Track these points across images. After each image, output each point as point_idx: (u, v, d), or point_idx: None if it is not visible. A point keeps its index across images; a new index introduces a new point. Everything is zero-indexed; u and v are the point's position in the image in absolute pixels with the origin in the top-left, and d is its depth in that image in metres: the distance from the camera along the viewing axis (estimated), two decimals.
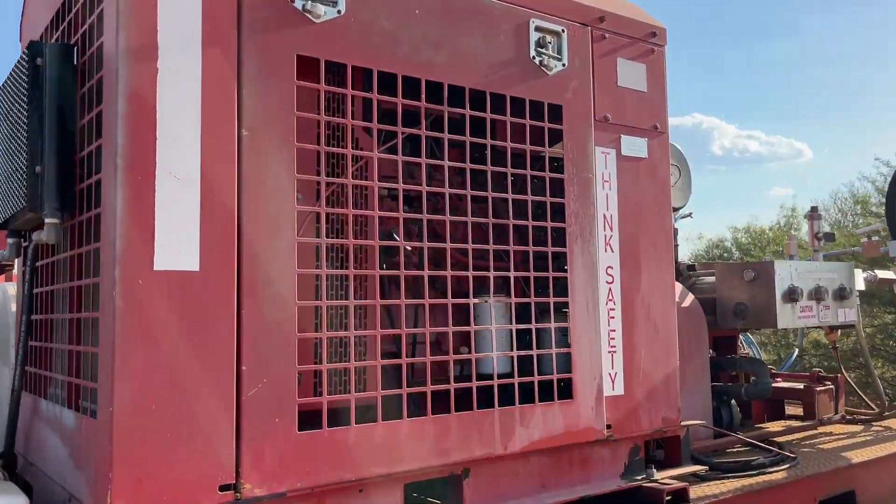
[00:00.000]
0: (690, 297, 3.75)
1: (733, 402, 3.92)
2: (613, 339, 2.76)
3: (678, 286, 3.82)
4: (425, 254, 2.30)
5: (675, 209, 3.37)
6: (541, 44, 2.62)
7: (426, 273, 2.29)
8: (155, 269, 1.82)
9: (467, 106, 2.41)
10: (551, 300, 2.58)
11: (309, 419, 2.05)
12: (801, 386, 4.41)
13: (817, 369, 4.57)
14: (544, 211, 2.71)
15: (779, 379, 4.66)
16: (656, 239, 2.94)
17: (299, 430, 2.01)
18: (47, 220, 2.06)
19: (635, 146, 2.90)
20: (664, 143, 3.01)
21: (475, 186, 2.44)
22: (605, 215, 2.78)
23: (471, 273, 2.39)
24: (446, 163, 2.37)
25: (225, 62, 1.96)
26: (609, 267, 2.77)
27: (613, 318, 2.77)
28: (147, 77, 1.84)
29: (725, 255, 21.15)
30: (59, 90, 2.09)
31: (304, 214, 2.10)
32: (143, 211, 1.82)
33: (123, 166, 1.80)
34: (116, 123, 1.80)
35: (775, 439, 3.83)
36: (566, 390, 2.59)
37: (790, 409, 4.61)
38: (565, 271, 2.63)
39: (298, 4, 2.09)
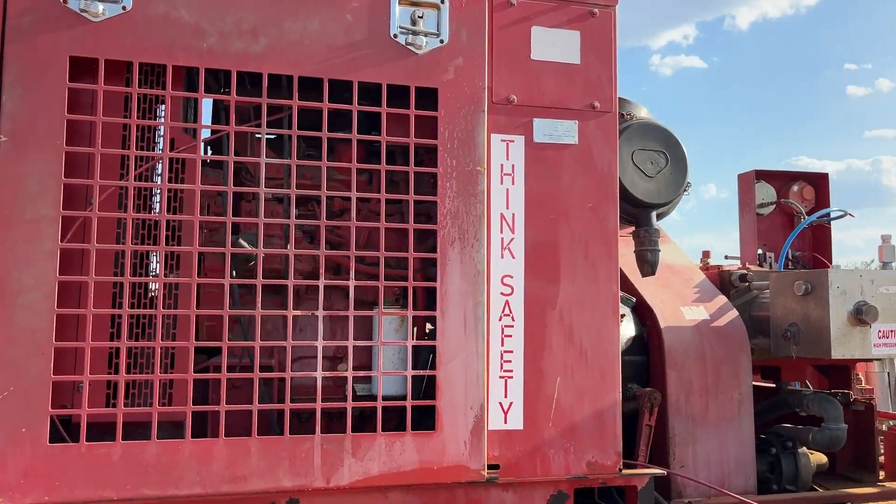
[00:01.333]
0: (729, 316, 3.02)
1: (803, 451, 3.08)
2: (509, 361, 2.30)
3: (719, 300, 3.10)
4: (227, 259, 2.11)
5: (660, 205, 2.72)
6: (412, 19, 2.29)
7: (227, 281, 2.10)
8: None
9: (295, 97, 2.17)
10: (410, 314, 2.22)
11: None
12: None
13: None
14: (419, 211, 2.38)
15: None
16: (588, 242, 2.40)
17: (52, 442, 1.95)
18: None
19: (557, 131, 2.40)
20: (608, 124, 2.46)
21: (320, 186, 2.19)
22: (503, 215, 2.34)
23: (291, 282, 2.13)
24: (263, 160, 2.15)
25: None
26: (507, 276, 2.32)
27: (510, 336, 2.31)
28: None
29: None
30: None
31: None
32: None
33: None
34: None
35: None
36: (429, 419, 2.22)
37: None
38: (432, 280, 2.25)
39: (74, 5, 2.04)
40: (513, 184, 2.35)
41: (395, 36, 2.27)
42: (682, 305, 3.01)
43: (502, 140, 2.35)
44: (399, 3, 2.28)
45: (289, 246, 2.15)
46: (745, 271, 3.22)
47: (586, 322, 2.38)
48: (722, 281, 3.25)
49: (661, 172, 2.67)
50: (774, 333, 2.99)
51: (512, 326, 2.31)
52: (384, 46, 2.26)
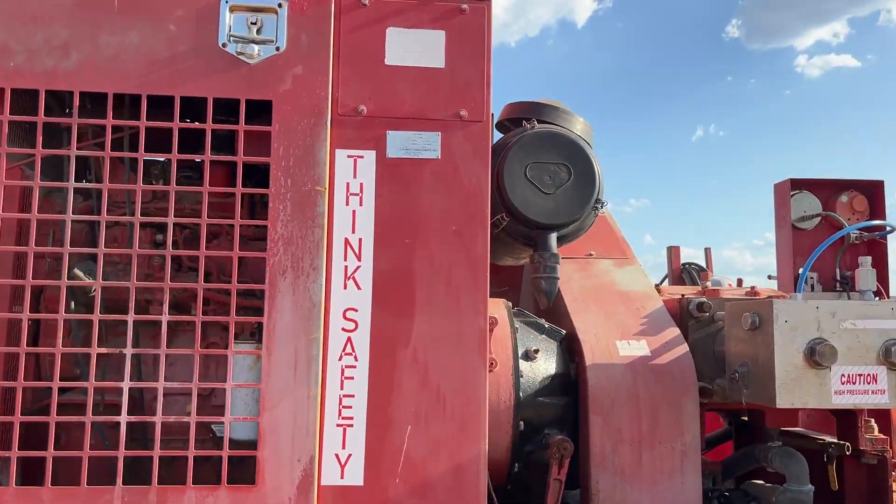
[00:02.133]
0: (676, 352, 2.58)
1: None
2: (350, 407, 2.03)
3: (669, 333, 2.68)
4: (27, 291, 1.96)
5: (560, 225, 2.33)
6: (247, 26, 2.08)
7: (25, 316, 1.95)
8: None
9: (109, 115, 2.00)
10: (230, 352, 2.00)
11: None
12: None
13: None
14: (250, 237, 2.16)
15: None
16: (451, 270, 2.09)
17: None
18: None
19: (415, 144, 2.12)
20: (478, 135, 2.14)
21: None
22: (347, 240, 2.07)
23: (97, 317, 1.96)
24: (71, 184, 1.99)
25: None
26: (350, 309, 2.05)
27: (352, 378, 2.04)
28: None
29: None
30: None
31: None
32: None
33: None
34: None
35: None
36: (250, 470, 1.98)
37: None
38: (258, 313, 2.01)
39: None
40: (360, 205, 2.09)
41: (224, 45, 2.06)
42: (619, 339, 2.61)
43: (349, 156, 2.10)
44: (231, 11, 2.08)
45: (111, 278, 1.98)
46: (703, 299, 2.77)
47: (445, 362, 2.07)
48: (682, 310, 2.82)
49: (561, 188, 2.31)
50: (727, 373, 2.55)
51: (354, 367, 2.04)
52: (212, 57, 2.06)
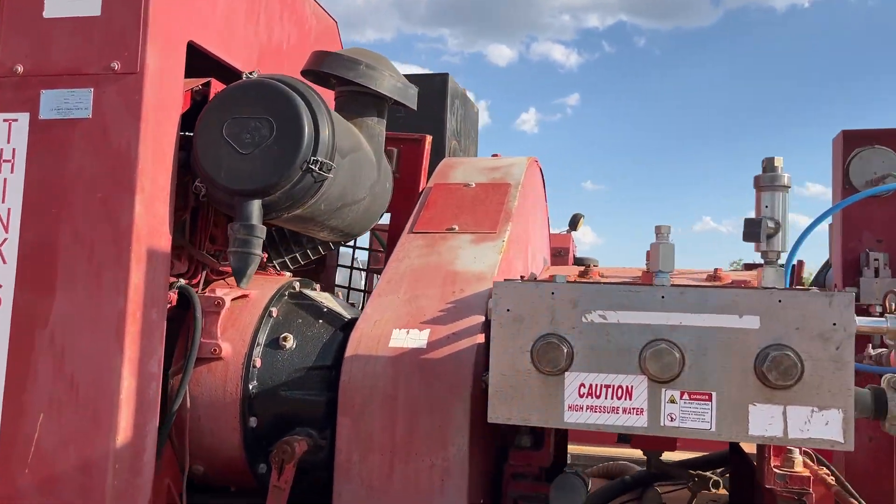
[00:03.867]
0: (461, 345, 2.08)
1: None
2: None
3: (469, 321, 2.19)
4: None
5: (259, 191, 1.89)
6: None
7: None
8: None
9: None
10: None
11: None
12: None
13: None
14: None
15: None
16: (94, 244, 1.87)
17: None
18: None
19: (67, 103, 1.91)
20: (132, 89, 1.88)
21: None
22: None
23: None
24: None
25: None
26: None
27: None
28: None
29: None
30: None
31: None
32: None
33: None
34: None
35: None
36: None
37: None
38: None
39: None
40: (12, 172, 1.93)
41: None
42: (399, 327, 2.18)
43: (4, 120, 1.95)
44: None
45: None
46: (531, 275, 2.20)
47: (82, 346, 1.85)
48: None
49: (260, 147, 1.95)
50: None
51: None
52: None
